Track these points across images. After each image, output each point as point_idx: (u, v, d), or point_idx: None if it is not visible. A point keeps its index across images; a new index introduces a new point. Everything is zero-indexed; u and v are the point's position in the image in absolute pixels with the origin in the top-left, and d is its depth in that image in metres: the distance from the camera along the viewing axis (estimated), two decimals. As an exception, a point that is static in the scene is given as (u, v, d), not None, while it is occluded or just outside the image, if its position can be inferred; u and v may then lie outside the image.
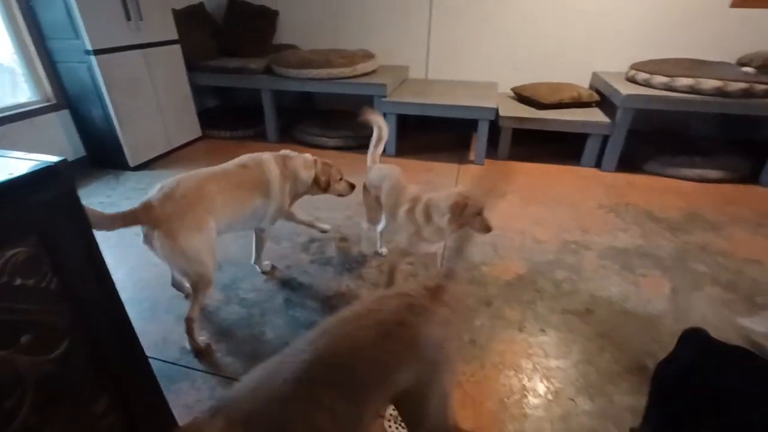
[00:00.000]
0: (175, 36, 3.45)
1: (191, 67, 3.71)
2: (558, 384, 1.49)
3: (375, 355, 0.77)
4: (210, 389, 1.45)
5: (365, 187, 2.06)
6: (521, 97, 3.60)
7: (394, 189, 1.83)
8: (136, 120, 3.20)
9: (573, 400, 1.43)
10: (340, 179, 2.06)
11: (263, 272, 2.07)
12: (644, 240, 2.34)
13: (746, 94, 2.79)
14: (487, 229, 1.55)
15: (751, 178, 3.04)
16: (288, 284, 1.98)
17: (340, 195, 2.08)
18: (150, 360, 1.49)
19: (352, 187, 2.09)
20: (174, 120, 3.58)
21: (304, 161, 1.94)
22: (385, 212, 1.92)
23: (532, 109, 3.40)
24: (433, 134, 3.95)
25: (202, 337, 1.63)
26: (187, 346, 1.61)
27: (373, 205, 2.03)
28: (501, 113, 3.33)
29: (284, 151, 1.93)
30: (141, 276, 2.04)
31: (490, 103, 3.30)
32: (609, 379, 1.50)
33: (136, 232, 2.36)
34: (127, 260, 2.16)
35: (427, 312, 0.84)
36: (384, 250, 2.21)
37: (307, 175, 1.92)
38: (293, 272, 2.07)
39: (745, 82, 2.79)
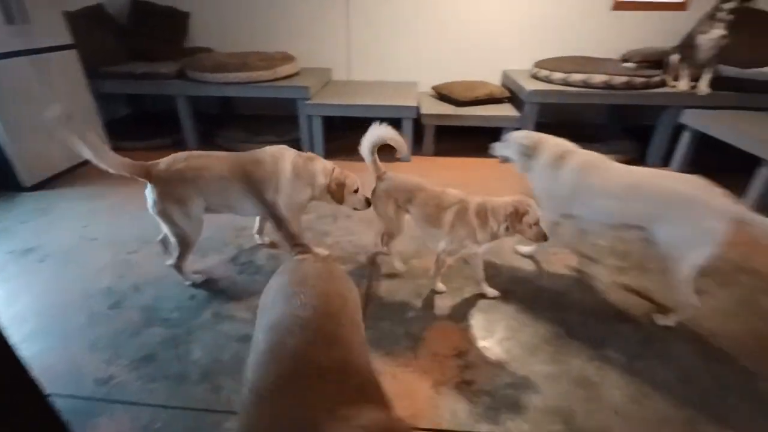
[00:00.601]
0: (69, 40, 3.14)
1: (93, 73, 3.40)
2: (485, 363, 1.59)
3: (342, 290, 1.00)
4: (131, 420, 1.35)
5: (379, 198, 1.93)
6: (440, 95, 3.77)
7: (432, 198, 1.80)
8: (29, 134, 2.86)
9: (498, 375, 1.54)
10: (356, 191, 2.00)
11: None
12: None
13: (628, 86, 3.18)
14: (543, 238, 1.62)
15: (640, 158, 3.47)
16: (216, 298, 1.91)
17: (355, 209, 2.04)
18: (61, 398, 1.38)
19: (368, 203, 1.99)
20: (75, 133, 3.24)
21: (323, 167, 1.98)
22: (422, 222, 1.85)
23: (452, 107, 3.57)
24: (360, 134, 3.97)
25: (196, 275, 1.98)
26: (103, 376, 1.50)
27: (395, 216, 1.90)
28: (423, 111, 3.47)
29: (309, 154, 2.00)
30: (47, 304, 1.85)
31: (412, 102, 3.42)
32: (529, 352, 1.64)
33: (39, 258, 2.15)
34: (28, 290, 1.94)
35: (321, 258, 1.13)
36: (402, 266, 2.10)
37: (323, 181, 1.96)
38: (221, 285, 1.99)
39: (627, 75, 3.18)
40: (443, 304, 1.89)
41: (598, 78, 3.20)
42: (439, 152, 3.63)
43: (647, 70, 3.29)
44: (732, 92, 3.13)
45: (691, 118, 3.01)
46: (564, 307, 1.88)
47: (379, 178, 1.95)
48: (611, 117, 4.09)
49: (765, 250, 2.29)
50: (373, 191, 1.95)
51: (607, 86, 3.19)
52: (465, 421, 1.37)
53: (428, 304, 1.90)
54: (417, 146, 3.56)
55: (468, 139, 3.81)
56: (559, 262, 2.19)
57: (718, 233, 1.52)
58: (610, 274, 2.10)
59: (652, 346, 1.67)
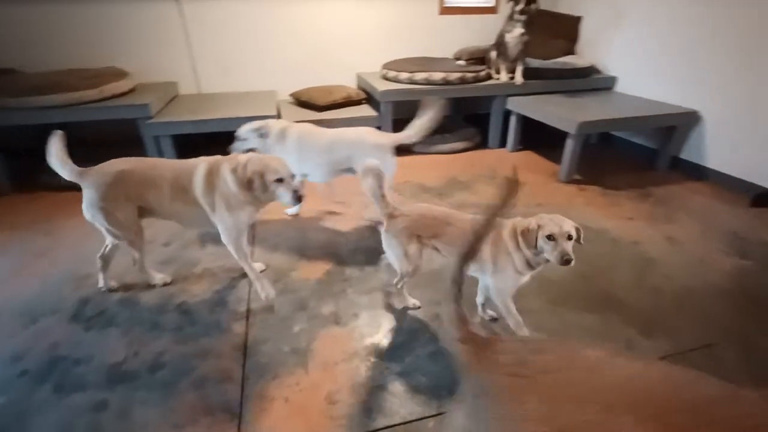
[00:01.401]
0: None
1: None
2: (374, 359, 1.63)
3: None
4: None
5: (396, 237, 1.68)
6: (300, 101, 3.75)
7: (467, 229, 1.55)
8: None
9: (388, 367, 1.59)
10: (280, 180, 1.70)
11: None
12: (421, 210, 2.78)
13: (462, 81, 3.61)
14: (564, 261, 1.40)
15: (482, 143, 3.96)
16: (57, 367, 1.58)
17: (282, 203, 1.76)
18: None
19: (299, 197, 1.73)
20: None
21: (234, 165, 1.74)
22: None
23: (312, 112, 3.58)
24: (224, 149, 3.73)
25: (160, 275, 2.04)
26: None
27: (418, 253, 1.70)
28: (283, 119, 3.39)
29: (233, 155, 1.84)
30: None
31: (270, 111, 3.32)
32: (412, 337, 1.74)
33: None
34: None
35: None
36: (416, 302, 1.91)
37: (232, 180, 1.74)
38: (62, 350, 1.66)
39: (460, 72, 3.60)
40: (328, 311, 1.88)
41: (438, 75, 3.56)
42: (307, 159, 3.60)
43: (475, 66, 3.77)
44: (539, 80, 3.76)
45: (514, 105, 3.55)
46: (437, 288, 2.00)
47: (391, 216, 1.69)
48: (455, 109, 4.57)
49: (594, 207, 2.83)
50: (385, 230, 1.72)
51: (446, 82, 3.57)
52: (361, 421, 1.39)
53: (313, 314, 1.87)
54: (283, 156, 3.48)
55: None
56: (429, 247, 2.37)
57: (384, 162, 2.07)
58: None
59: (510, 305, 1.92)
